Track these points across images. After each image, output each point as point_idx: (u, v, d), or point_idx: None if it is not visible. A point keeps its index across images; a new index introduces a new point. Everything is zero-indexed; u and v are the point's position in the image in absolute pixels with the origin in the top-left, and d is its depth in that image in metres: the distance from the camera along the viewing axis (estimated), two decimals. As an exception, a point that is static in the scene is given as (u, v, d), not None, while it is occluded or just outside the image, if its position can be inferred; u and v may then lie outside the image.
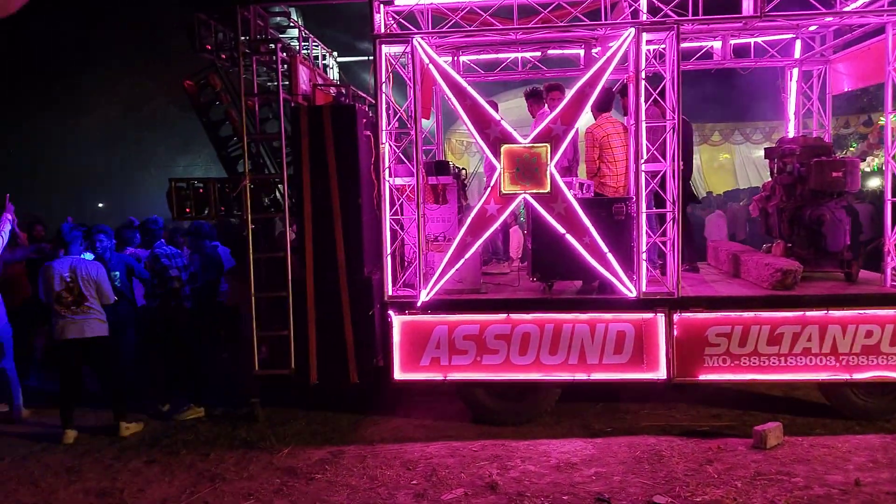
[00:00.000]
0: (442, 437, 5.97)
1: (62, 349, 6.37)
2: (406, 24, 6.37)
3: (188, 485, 5.23)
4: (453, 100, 5.99)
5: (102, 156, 22.63)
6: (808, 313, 5.71)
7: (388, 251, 6.12)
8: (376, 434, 6.17)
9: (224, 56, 6.73)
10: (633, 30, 5.75)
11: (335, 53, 8.35)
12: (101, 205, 24.16)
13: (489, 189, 5.95)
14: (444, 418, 6.46)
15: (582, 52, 7.84)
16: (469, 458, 5.50)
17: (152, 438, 6.28)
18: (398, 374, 6.07)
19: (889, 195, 6.00)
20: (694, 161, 10.41)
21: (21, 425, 6.80)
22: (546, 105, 7.23)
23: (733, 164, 18.92)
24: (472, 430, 6.10)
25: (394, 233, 6.19)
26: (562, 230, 5.82)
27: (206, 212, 6.74)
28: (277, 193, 6.83)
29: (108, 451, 5.97)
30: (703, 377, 5.82)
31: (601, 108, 6.56)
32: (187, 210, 6.72)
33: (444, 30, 6.25)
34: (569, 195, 5.85)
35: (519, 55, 8.11)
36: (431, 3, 6.30)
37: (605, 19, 6.19)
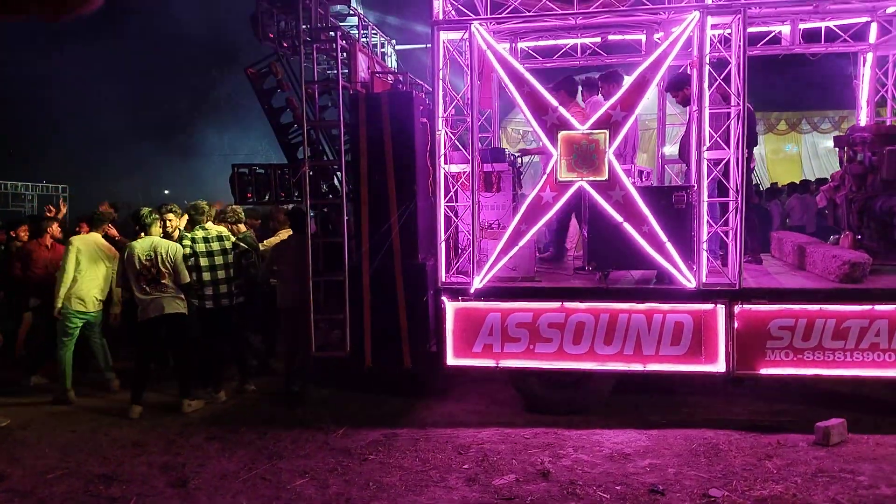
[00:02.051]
0: (494, 424, 5.98)
1: (144, 328, 6.65)
2: (464, 10, 6.36)
3: (247, 461, 5.39)
4: (510, 86, 5.95)
5: (167, 144, 23.43)
6: (877, 307, 5.48)
7: (443, 238, 6.15)
8: (429, 418, 6.23)
9: (286, 44, 6.85)
10: (697, 13, 5.59)
11: (394, 41, 8.41)
12: (166, 192, 25.02)
13: (545, 176, 5.91)
14: (496, 405, 6.48)
15: (643, 37, 7.67)
16: (521, 445, 5.50)
17: (213, 416, 6.50)
18: (451, 360, 6.11)
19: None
20: (757, 151, 10.11)
21: (90, 400, 7.12)
22: (599, 94, 7.14)
23: (800, 154, 18.22)
24: (524, 418, 6.10)
25: (448, 220, 6.22)
26: (619, 218, 5.74)
27: (267, 197, 6.92)
28: (335, 180, 6.94)
29: (172, 427, 6.20)
30: (764, 371, 5.66)
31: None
32: (248, 195, 6.90)
33: (502, 15, 6.21)
34: (627, 183, 5.76)
35: (578, 41, 7.99)
36: (490, -11, 6.26)
37: (669, 2, 6.05)
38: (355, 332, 6.30)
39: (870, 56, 7.50)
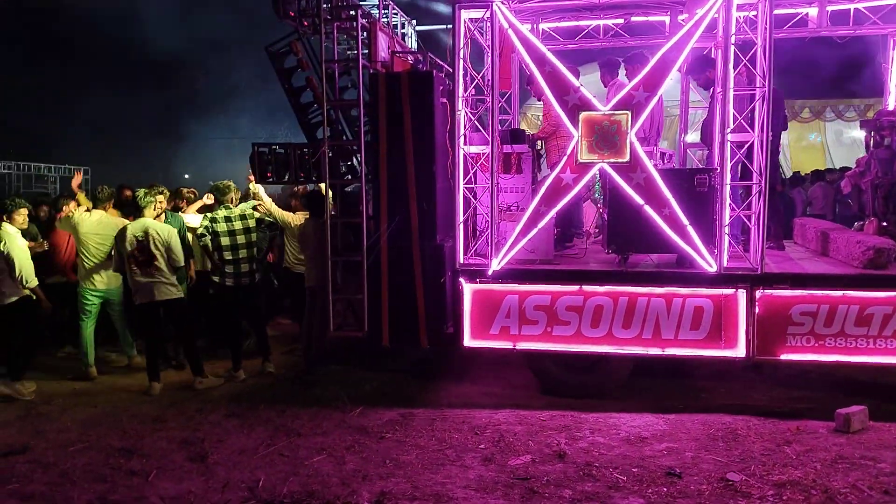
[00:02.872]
0: (510, 406, 5.98)
1: (139, 311, 6.74)
2: (486, -11, 6.29)
3: (265, 438, 5.43)
4: (532, 66, 5.90)
5: (187, 125, 23.53)
6: (903, 294, 5.40)
7: (461, 219, 6.13)
8: (445, 399, 6.24)
9: (306, 23, 6.83)
10: (723, -8, 5.50)
11: (414, 21, 8.36)
12: (186, 175, 25.16)
13: (565, 157, 5.86)
14: (512, 387, 6.48)
15: (667, 18, 7.55)
16: (537, 427, 5.50)
17: (232, 394, 6.56)
18: (468, 341, 6.10)
19: None
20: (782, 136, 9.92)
21: (112, 377, 7.22)
22: (624, 75, 7.04)
23: (823, 143, 17.91)
24: (541, 401, 6.10)
25: (467, 201, 6.19)
26: (640, 201, 5.68)
27: (287, 177, 6.92)
28: (355, 160, 6.94)
29: (191, 404, 6.26)
30: (784, 357, 5.60)
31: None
32: (268, 175, 6.91)
33: (524, -6, 6.14)
34: (649, 165, 5.70)
35: (601, 22, 7.89)
36: (513, -32, 6.18)
37: (694, -18, 5.94)
38: (373, 312, 6.31)
39: (899, 39, 7.33)
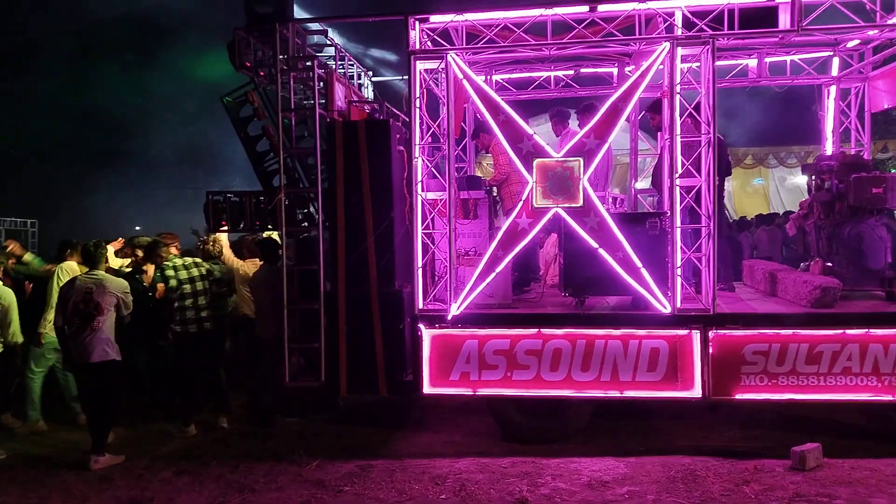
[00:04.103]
0: (471, 454, 5.90)
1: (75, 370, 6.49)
2: (440, 40, 6.46)
3: (217, 495, 5.24)
4: (486, 115, 6.03)
5: (140, 177, 23.17)
6: (849, 332, 5.55)
7: (420, 265, 6.14)
8: (405, 449, 6.14)
9: (262, 73, 6.87)
10: (667, 44, 5.74)
11: (370, 73, 8.48)
12: (137, 227, 24.65)
13: (521, 203, 5.95)
14: (474, 435, 6.41)
15: (615, 70, 7.85)
16: (499, 475, 5.43)
17: (183, 450, 6.33)
18: (427, 388, 6.03)
19: (932, 212, 5.86)
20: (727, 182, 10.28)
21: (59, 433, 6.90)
22: (575, 124, 7.25)
23: (766, 188, 18.60)
24: (502, 448, 6.03)
25: (425, 247, 6.21)
26: (594, 244, 5.78)
27: (242, 225, 6.86)
28: (311, 208, 6.91)
29: (140, 462, 6.02)
30: (739, 396, 5.68)
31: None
32: (223, 223, 6.84)
33: (478, 45, 6.31)
34: (602, 209, 5.82)
35: (552, 73, 8.15)
36: (466, 20, 6.37)
37: (640, 34, 6.20)
38: (330, 361, 6.21)
39: (833, 89, 7.75)
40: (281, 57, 6.45)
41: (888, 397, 5.53)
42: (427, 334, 6.01)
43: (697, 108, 5.88)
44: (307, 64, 6.59)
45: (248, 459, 5.96)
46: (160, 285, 7.08)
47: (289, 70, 6.49)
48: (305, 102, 7.17)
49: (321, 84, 6.58)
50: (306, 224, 6.85)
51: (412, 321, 6.13)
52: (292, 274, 6.42)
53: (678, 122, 5.77)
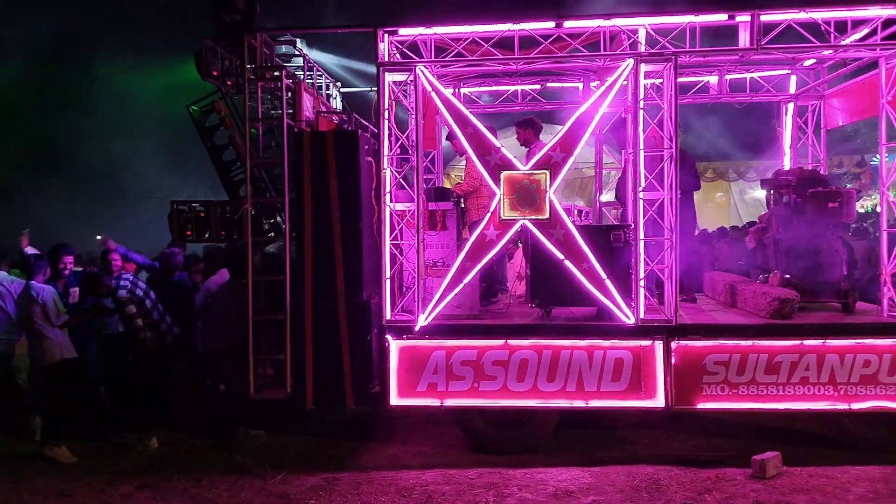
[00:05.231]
0: (438, 465, 5.90)
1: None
2: (409, 53, 6.50)
3: (180, 509, 5.16)
4: (454, 127, 6.08)
5: (104, 187, 22.70)
6: (806, 342, 5.71)
7: (388, 276, 6.14)
8: (372, 461, 6.11)
9: (229, 83, 6.84)
10: (631, 60, 5.87)
11: (339, 84, 8.48)
12: (98, 237, 24.08)
13: (489, 214, 6.00)
14: (441, 446, 6.41)
15: (580, 85, 7.98)
16: (465, 486, 5.44)
17: (146, 463, 6.21)
18: (394, 400, 6.03)
19: (885, 225, 6.06)
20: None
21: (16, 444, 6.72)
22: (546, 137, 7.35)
23: (727, 201, 19.02)
24: (469, 458, 6.04)
25: (393, 258, 6.22)
26: (560, 256, 5.86)
27: (207, 235, 6.79)
28: (278, 218, 6.88)
29: (102, 476, 5.89)
30: (701, 405, 5.79)
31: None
32: (188, 233, 6.77)
33: (446, 59, 6.37)
34: (568, 221, 5.90)
35: (519, 88, 8.25)
36: (434, 34, 6.43)
37: (605, 51, 6.32)
38: (296, 372, 6.17)
39: (791, 106, 7.99)
40: (249, 66, 6.43)
41: (843, 406, 5.69)
42: (394, 345, 6.01)
43: (660, 123, 6.01)
44: (275, 74, 6.57)
45: (211, 473, 5.88)
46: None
47: (256, 80, 6.47)
48: (273, 112, 7.15)
49: (289, 94, 6.57)
50: (272, 234, 6.81)
51: (380, 332, 6.13)
52: (258, 285, 6.37)
53: (642, 136, 5.89)
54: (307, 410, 6.25)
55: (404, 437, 6.68)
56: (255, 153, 6.51)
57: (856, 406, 5.68)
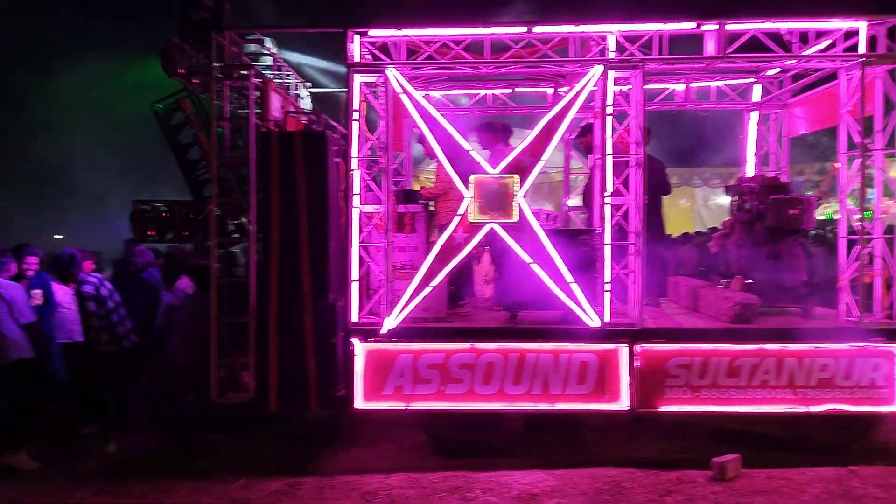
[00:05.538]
0: (403, 469, 5.88)
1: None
2: (380, 54, 6.48)
3: (139, 515, 5.06)
4: (425, 129, 6.07)
5: (63, 185, 22.18)
6: (766, 346, 5.82)
7: (355, 278, 6.10)
8: (335, 465, 6.06)
9: (196, 80, 6.73)
10: (600, 66, 5.93)
11: (308, 84, 8.41)
12: (58, 236, 23.53)
13: (458, 217, 6.00)
14: (405, 449, 6.38)
15: (550, 90, 8.03)
16: (430, 490, 5.42)
17: (103, 468, 6.08)
18: (359, 404, 5.98)
19: (843, 232, 6.20)
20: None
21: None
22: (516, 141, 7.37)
23: (692, 207, 19.37)
24: (434, 462, 6.03)
25: (361, 260, 6.18)
26: (528, 259, 5.88)
27: (170, 235, 6.67)
28: (244, 219, 6.78)
29: (56, 482, 5.75)
30: (663, 408, 5.86)
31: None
32: (150, 233, 6.64)
33: (417, 61, 6.36)
34: (536, 225, 5.93)
35: (489, 92, 8.27)
36: (406, 36, 6.41)
37: (574, 57, 6.38)
38: (260, 375, 6.09)
39: (754, 114, 8.14)
40: (216, 65, 6.34)
41: (802, 409, 5.81)
42: (361, 348, 5.97)
43: (628, 129, 6.07)
44: (243, 73, 6.49)
45: (171, 478, 5.77)
46: None
47: (224, 78, 6.37)
48: (241, 112, 7.07)
49: (257, 93, 6.49)
50: (238, 235, 6.71)
51: (346, 335, 6.08)
52: (222, 286, 6.28)
53: (609, 142, 5.95)
54: (271, 414, 6.18)
55: (369, 440, 6.65)
56: (222, 153, 6.42)
57: (814, 409, 5.80)
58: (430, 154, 7.39)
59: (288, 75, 7.75)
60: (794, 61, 6.45)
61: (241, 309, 6.12)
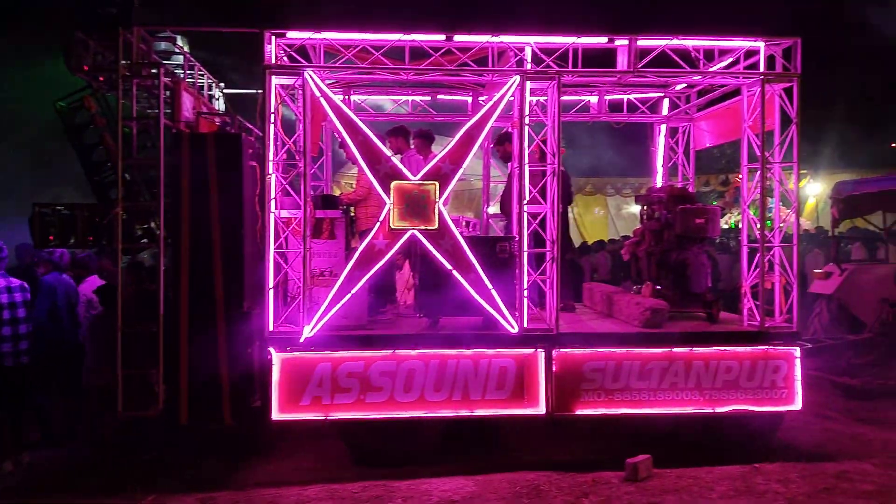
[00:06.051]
0: (321, 480, 5.76)
1: None
2: (297, 57, 6.36)
3: (36, 538, 4.74)
4: (344, 134, 6.00)
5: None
6: (675, 350, 6.06)
7: (271, 285, 5.95)
8: (251, 478, 5.87)
9: (102, 78, 6.41)
10: (517, 77, 6.03)
11: (222, 84, 8.16)
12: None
13: (378, 224, 5.95)
14: (323, 460, 6.26)
15: (470, 98, 8.12)
16: (349, 501, 5.34)
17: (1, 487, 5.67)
18: (276, 415, 5.82)
19: (745, 241, 6.54)
20: (570, 210, 10.97)
21: None
22: (411, 146, 7.40)
23: (607, 215, 20.04)
24: (353, 472, 5.93)
25: (277, 266, 6.03)
26: (448, 266, 5.90)
27: (73, 240, 6.31)
28: (153, 223, 6.50)
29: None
30: (579, 412, 5.99)
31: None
32: (50, 238, 6.26)
33: (336, 65, 6.29)
34: (456, 232, 5.96)
35: (410, 98, 8.27)
36: (324, 39, 6.32)
37: (493, 66, 6.46)
38: (170, 388, 5.83)
39: (663, 127, 8.49)
40: (123, 62, 6.06)
41: (708, 409, 6.07)
42: (277, 358, 5.82)
43: (545, 139, 6.20)
44: (153, 71, 6.23)
45: (74, 496, 5.45)
46: None
47: (132, 76, 6.11)
48: (150, 112, 6.78)
49: (167, 93, 6.25)
50: (146, 241, 6.43)
51: (262, 344, 5.91)
52: (129, 295, 5.98)
53: (526, 151, 6.05)
54: (182, 427, 5.92)
55: (287, 452, 6.47)
56: (129, 154, 6.13)
57: (720, 409, 6.07)
58: (352, 159, 7.32)
59: (201, 75, 7.50)
60: (699, 77, 6.77)
61: (151, 318, 5.85)
